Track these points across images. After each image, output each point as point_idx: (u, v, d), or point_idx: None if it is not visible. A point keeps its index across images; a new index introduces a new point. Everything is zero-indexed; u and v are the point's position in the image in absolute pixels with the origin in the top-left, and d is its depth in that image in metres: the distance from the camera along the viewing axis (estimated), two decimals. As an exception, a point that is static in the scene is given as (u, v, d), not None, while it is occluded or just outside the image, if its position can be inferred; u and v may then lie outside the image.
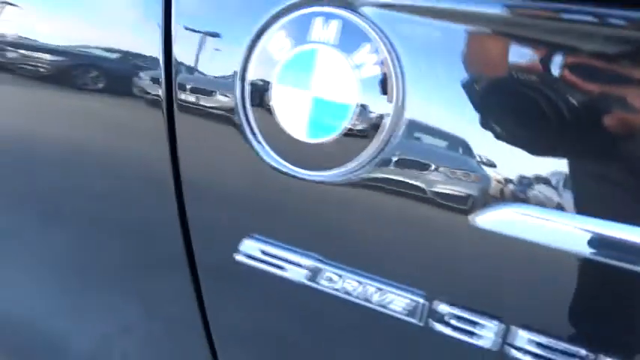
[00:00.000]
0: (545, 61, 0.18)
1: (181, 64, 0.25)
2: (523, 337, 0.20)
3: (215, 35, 0.24)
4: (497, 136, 0.19)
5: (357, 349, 0.27)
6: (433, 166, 0.20)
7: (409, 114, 0.20)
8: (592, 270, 0.19)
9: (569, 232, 0.18)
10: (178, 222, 0.28)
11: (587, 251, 0.18)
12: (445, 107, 0.20)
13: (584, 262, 0.19)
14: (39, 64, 0.31)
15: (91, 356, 0.42)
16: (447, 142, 0.20)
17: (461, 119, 0.20)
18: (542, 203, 0.18)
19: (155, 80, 0.26)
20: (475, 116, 0.19)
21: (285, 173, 0.23)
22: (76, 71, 0.30)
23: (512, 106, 0.19)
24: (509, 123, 0.19)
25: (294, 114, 0.22)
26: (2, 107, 0.36)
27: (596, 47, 0.18)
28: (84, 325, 0.41)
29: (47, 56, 0.31)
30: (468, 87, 0.19)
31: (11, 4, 0.32)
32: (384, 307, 0.23)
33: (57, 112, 0.33)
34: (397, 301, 0.22)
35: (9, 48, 0.32)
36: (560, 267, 0.19)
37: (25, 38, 0.32)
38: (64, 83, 0.31)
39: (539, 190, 0.19)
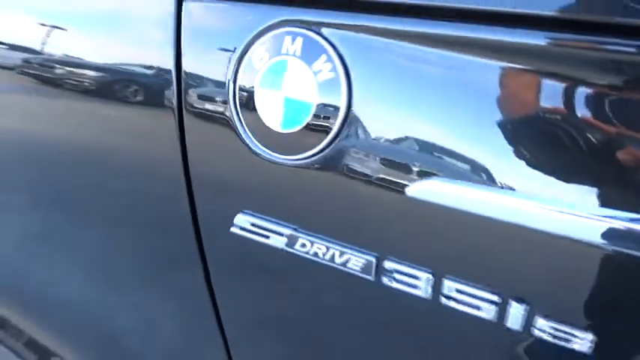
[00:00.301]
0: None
1: (188, 74, 0.31)
2: (452, 286, 0.25)
3: (214, 51, 0.30)
4: (421, 128, 0.24)
5: (323, 300, 0.32)
6: (374, 152, 0.26)
7: (355, 110, 0.26)
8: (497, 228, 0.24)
9: (485, 200, 0.23)
10: (188, 203, 0.34)
11: (485, 211, 0.23)
12: (383, 105, 0.25)
13: (490, 222, 0.24)
14: (74, 79, 0.38)
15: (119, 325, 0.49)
16: (384, 133, 0.25)
17: (395, 115, 0.25)
18: (458, 177, 0.24)
19: (169, 89, 0.32)
20: (405, 112, 0.25)
21: (266, 159, 0.28)
22: (105, 84, 0.37)
23: (432, 103, 0.24)
24: (431, 118, 0.25)
25: (271, 110, 0.28)
26: (43, 116, 0.44)
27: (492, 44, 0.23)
28: (110, 296, 0.48)
29: (80, 71, 0.38)
30: (399, 90, 0.25)
31: (59, 28, 0.39)
32: (345, 265, 0.28)
33: (88, 120, 0.40)
34: (355, 261, 0.28)
35: (52, 65, 0.39)
36: (478, 227, 0.24)
37: (65, 56, 0.39)
38: (94, 95, 0.38)
39: (458, 165, 0.24)
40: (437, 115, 0.24)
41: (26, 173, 0.50)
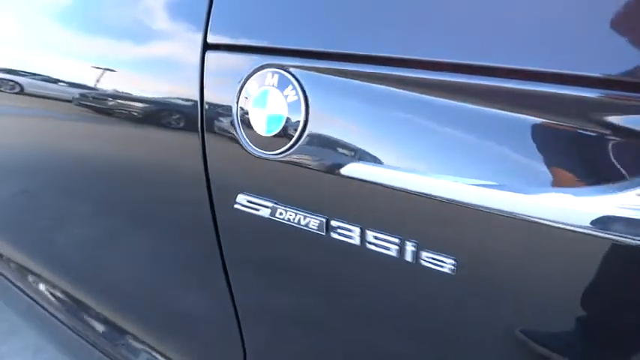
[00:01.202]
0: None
1: (209, 103, 0.46)
2: (372, 234, 0.38)
3: (225, 85, 0.45)
4: (354, 134, 0.38)
5: (294, 255, 0.46)
6: (323, 148, 0.39)
7: (311, 122, 0.39)
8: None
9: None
10: (207, 191, 0.48)
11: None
12: (330, 118, 0.39)
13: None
14: (123, 110, 0.54)
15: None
16: (330, 136, 0.39)
17: (337, 125, 0.39)
18: (374, 161, 0.37)
19: (195, 115, 0.47)
20: (344, 124, 0.38)
21: (256, 155, 0.43)
22: (148, 114, 0.52)
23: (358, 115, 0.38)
24: (361, 128, 0.38)
25: (259, 122, 0.42)
26: (98, 141, 0.60)
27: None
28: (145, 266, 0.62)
29: (128, 103, 0.54)
30: (340, 108, 0.39)
31: (110, 70, 0.56)
32: (307, 227, 0.41)
33: (136, 143, 0.56)
34: (312, 222, 0.41)
35: (106, 98, 0.55)
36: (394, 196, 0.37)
37: (115, 91, 0.55)
38: (139, 122, 0.53)
39: (377, 153, 0.37)
40: (364, 126, 0.38)
41: (90, 186, 0.66)
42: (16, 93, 0.69)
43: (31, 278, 0.86)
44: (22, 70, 0.68)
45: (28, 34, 0.68)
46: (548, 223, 0.30)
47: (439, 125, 0.34)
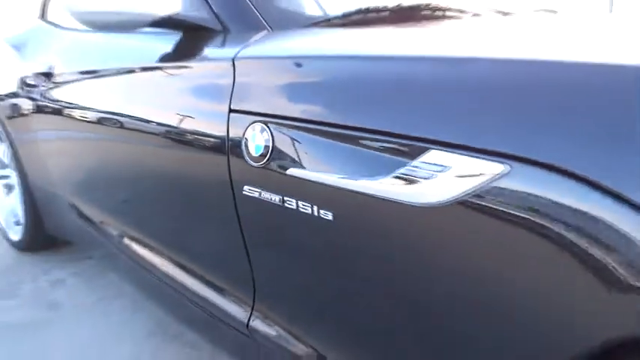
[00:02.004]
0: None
1: (231, 138, 0.88)
2: (301, 203, 0.78)
3: (238, 128, 0.87)
4: (293, 148, 0.79)
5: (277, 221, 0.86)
6: (283, 161, 0.80)
7: (275, 150, 0.80)
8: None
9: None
10: (230, 185, 0.90)
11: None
12: (286, 144, 0.80)
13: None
14: (187, 140, 0.98)
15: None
16: (285, 153, 0.80)
17: (286, 151, 0.79)
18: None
19: (222, 145, 0.89)
20: (287, 150, 0.79)
21: (250, 165, 0.84)
22: (200, 143, 0.95)
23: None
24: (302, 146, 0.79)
25: (252, 148, 0.83)
26: (168, 159, 1.04)
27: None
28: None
29: (190, 137, 0.97)
30: (288, 137, 0.79)
31: (183, 115, 1.00)
32: (274, 201, 0.82)
33: (191, 160, 0.99)
34: (276, 198, 0.81)
35: (177, 134, 0.99)
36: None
37: (185, 130, 0.99)
38: (194, 148, 0.97)
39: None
40: (299, 150, 0.78)
41: (152, 188, 1.10)
42: (118, 127, 1.16)
43: (134, 246, 1.33)
44: (121, 112, 1.15)
45: (125, 95, 1.16)
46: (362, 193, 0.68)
47: (325, 149, 0.74)
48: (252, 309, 0.97)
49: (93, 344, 1.47)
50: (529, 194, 0.52)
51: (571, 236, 0.49)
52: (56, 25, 1.73)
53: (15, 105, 1.72)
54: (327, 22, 1.01)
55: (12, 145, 1.84)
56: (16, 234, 2.08)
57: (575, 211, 0.49)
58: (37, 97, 1.58)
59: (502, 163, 0.54)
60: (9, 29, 2.11)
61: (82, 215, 1.54)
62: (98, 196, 1.43)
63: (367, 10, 1.08)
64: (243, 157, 0.84)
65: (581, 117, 0.51)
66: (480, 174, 0.56)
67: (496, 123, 0.57)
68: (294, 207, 0.78)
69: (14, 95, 1.72)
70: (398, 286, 0.69)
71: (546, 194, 0.51)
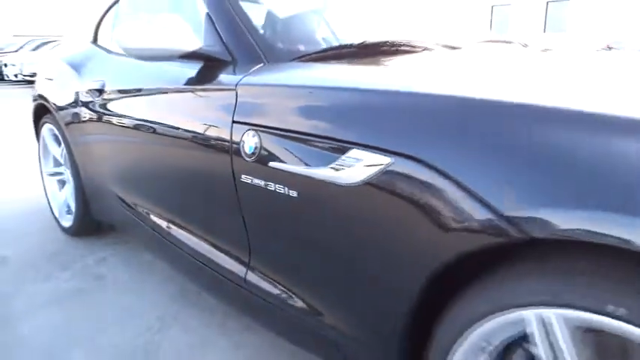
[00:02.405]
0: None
1: (233, 141, 1.24)
2: (276, 185, 1.13)
3: (237, 134, 1.23)
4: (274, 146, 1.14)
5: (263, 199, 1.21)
6: (265, 157, 1.15)
7: (262, 149, 1.16)
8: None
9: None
10: (232, 176, 1.26)
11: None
12: (269, 148, 1.15)
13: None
14: (200, 142, 1.35)
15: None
16: (268, 155, 1.15)
17: (270, 150, 1.15)
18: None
19: (228, 146, 1.26)
20: (270, 149, 1.15)
21: (246, 160, 1.20)
22: (208, 145, 1.32)
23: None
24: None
25: (247, 148, 1.19)
26: (184, 157, 1.41)
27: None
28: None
29: (201, 142, 1.34)
30: (272, 141, 1.15)
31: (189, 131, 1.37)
32: (255, 183, 1.18)
33: (201, 158, 1.36)
34: (258, 182, 1.17)
35: (190, 139, 1.36)
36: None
37: (197, 133, 1.36)
38: (204, 148, 1.33)
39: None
40: (277, 148, 1.14)
41: (176, 180, 1.47)
42: (152, 133, 1.54)
43: (162, 223, 1.70)
44: (155, 121, 1.53)
45: (159, 109, 1.53)
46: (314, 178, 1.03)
47: (293, 149, 1.09)
48: (249, 266, 1.32)
49: (130, 307, 1.86)
50: (402, 174, 0.86)
51: (424, 198, 0.83)
52: (106, 50, 2.14)
53: (72, 114, 2.14)
54: (308, 57, 1.36)
55: (68, 147, 2.26)
56: (67, 221, 2.50)
57: (428, 185, 0.83)
58: (91, 108, 1.99)
59: (389, 156, 0.89)
60: (65, 50, 2.55)
61: (123, 202, 1.93)
62: (136, 187, 1.82)
63: (339, 47, 1.43)
64: (240, 155, 1.20)
65: (431, 130, 0.85)
66: (378, 164, 0.90)
67: (389, 131, 0.91)
68: (274, 189, 1.13)
69: (72, 106, 2.14)
70: (331, 237, 1.03)
71: (412, 176, 0.85)
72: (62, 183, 2.61)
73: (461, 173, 0.79)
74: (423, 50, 1.45)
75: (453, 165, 0.81)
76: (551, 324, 0.72)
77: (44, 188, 2.69)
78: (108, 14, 2.29)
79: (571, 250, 0.74)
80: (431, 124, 0.85)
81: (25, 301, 1.88)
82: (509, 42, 1.82)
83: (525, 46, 1.83)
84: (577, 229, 0.65)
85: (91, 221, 2.34)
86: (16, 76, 13.26)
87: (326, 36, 1.65)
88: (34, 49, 16.01)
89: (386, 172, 0.89)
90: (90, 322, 1.75)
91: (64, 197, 2.56)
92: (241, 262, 1.35)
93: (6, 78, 13.95)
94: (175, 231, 1.62)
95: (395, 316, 0.94)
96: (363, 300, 1.01)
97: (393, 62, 1.29)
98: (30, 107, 2.69)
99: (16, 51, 17.01)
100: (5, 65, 14.07)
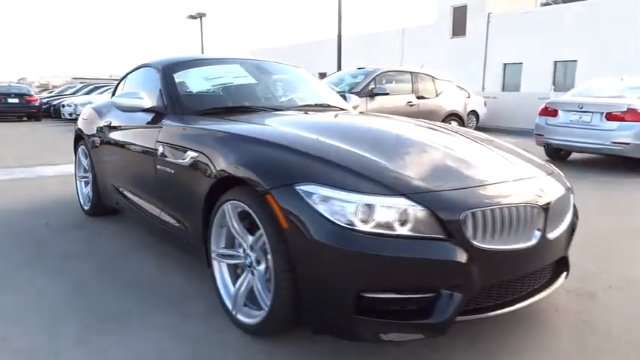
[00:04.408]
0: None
1: (157, 149, 2.69)
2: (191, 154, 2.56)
3: (159, 145, 2.69)
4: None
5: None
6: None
7: (165, 152, 2.59)
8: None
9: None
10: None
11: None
12: (168, 151, 2.59)
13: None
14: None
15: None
16: (167, 155, 2.59)
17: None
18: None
19: (154, 152, 2.70)
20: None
21: (160, 157, 2.64)
22: (147, 154, 2.77)
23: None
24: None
25: (161, 151, 2.64)
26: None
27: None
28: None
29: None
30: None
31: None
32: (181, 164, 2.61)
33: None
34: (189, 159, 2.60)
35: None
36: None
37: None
38: (146, 154, 2.79)
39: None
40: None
41: (138, 173, 2.93)
42: (126, 148, 3.01)
43: (135, 199, 3.15)
44: (128, 141, 3.00)
45: (129, 138, 3.01)
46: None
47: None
48: (162, 210, 2.74)
49: (115, 245, 3.29)
50: (200, 161, 2.30)
51: (204, 166, 2.27)
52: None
53: (94, 139, 3.68)
54: (207, 111, 2.81)
55: (91, 159, 3.79)
56: (86, 206, 4.01)
57: (205, 162, 2.26)
58: (102, 136, 3.52)
59: (197, 153, 2.32)
60: (97, 100, 4.14)
61: (115, 189, 3.40)
62: (120, 178, 3.28)
63: (225, 108, 2.87)
64: (158, 156, 2.65)
65: (220, 143, 2.28)
66: (195, 155, 2.34)
67: (205, 143, 2.33)
68: (168, 170, 2.56)
69: (94, 135, 3.69)
70: (184, 191, 2.44)
71: (200, 160, 2.28)
72: (86, 183, 4.15)
73: (217, 158, 2.19)
74: (259, 112, 2.88)
75: (214, 155, 2.22)
76: (229, 209, 2.10)
77: (75, 187, 4.23)
78: (120, 83, 3.88)
79: (240, 184, 2.11)
80: (221, 141, 2.27)
81: (57, 242, 3.36)
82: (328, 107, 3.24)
83: (340, 110, 3.23)
84: (245, 176, 2.02)
85: (101, 205, 3.83)
86: (70, 115, 15.51)
87: (218, 102, 3.12)
88: (86, 93, 18.49)
89: (196, 159, 2.31)
90: (91, 248, 3.21)
91: (87, 191, 4.09)
92: (159, 208, 2.77)
93: (62, 117, 16.28)
94: (138, 200, 3.06)
95: (199, 213, 2.31)
96: (193, 215, 2.39)
97: (240, 116, 2.72)
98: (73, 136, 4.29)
99: (72, 94, 19.62)
100: (63, 106, 16.44)
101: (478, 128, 13.79)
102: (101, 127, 3.60)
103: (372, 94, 8.08)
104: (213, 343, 1.95)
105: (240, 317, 2.00)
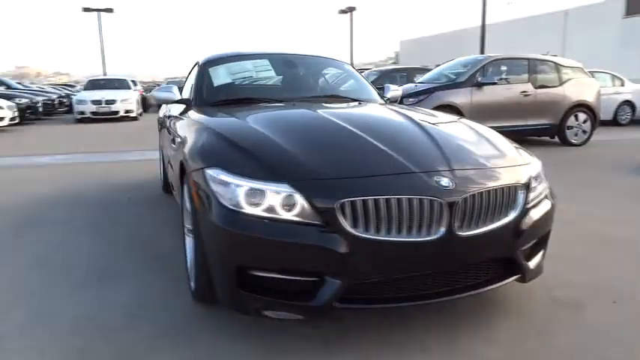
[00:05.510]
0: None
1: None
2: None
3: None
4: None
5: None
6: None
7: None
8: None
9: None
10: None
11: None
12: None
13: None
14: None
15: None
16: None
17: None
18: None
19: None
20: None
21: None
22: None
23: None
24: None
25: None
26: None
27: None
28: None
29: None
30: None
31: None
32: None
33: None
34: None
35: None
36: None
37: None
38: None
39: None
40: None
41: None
42: (169, 132, 3.48)
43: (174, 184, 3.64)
44: (169, 126, 3.47)
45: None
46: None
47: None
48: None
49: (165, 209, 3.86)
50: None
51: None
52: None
53: (161, 127, 4.32)
54: (221, 102, 3.13)
55: (159, 143, 4.44)
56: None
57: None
58: (163, 124, 4.11)
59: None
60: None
61: (170, 165, 3.95)
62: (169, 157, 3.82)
63: (234, 100, 3.16)
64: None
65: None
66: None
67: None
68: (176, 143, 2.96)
69: (161, 124, 4.33)
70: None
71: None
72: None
73: (185, 145, 2.51)
74: (261, 103, 3.09)
75: (185, 142, 2.54)
76: (186, 188, 2.38)
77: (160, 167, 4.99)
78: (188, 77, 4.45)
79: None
80: (196, 131, 2.59)
81: (133, 212, 4.05)
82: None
83: (352, 101, 3.27)
84: (182, 159, 2.32)
85: (167, 182, 4.47)
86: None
87: (235, 92, 3.41)
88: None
89: (178, 144, 2.65)
90: (158, 210, 3.81)
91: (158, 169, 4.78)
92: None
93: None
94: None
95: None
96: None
97: (240, 107, 2.99)
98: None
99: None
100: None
101: (634, 122, 11.90)
102: (163, 117, 4.19)
103: (478, 84, 7.64)
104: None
105: (191, 283, 2.26)
